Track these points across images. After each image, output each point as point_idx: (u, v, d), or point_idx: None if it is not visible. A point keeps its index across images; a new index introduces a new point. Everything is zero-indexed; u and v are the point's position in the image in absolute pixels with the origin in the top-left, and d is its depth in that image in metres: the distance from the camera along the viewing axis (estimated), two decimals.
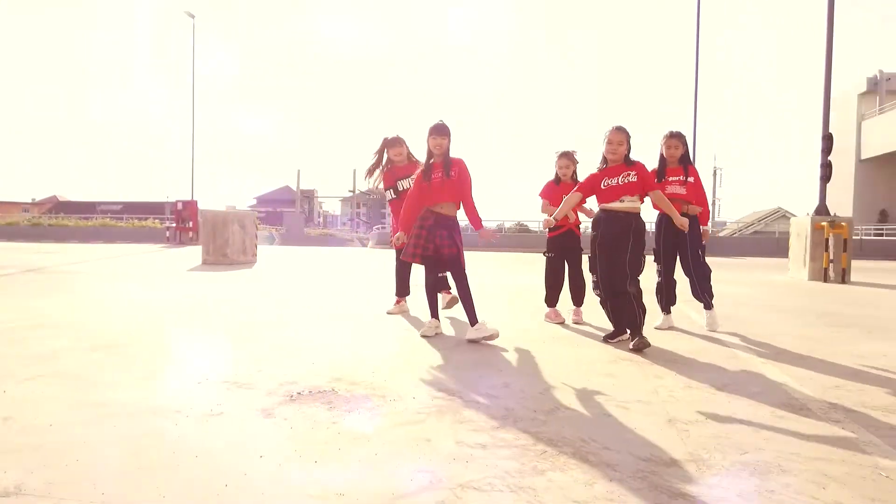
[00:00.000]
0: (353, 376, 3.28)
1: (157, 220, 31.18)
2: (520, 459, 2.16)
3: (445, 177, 4.48)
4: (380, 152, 5.82)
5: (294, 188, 46.69)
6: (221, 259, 11.94)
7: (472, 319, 4.36)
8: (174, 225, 23.94)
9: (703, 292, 5.08)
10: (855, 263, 14.50)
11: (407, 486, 1.93)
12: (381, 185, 5.89)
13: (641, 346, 4.08)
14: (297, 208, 36.82)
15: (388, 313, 5.63)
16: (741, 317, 5.88)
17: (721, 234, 33.18)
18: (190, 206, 23.68)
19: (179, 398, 2.85)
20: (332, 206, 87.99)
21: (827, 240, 10.52)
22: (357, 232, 44.42)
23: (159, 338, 4.36)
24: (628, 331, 4.34)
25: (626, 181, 4.26)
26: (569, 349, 4.19)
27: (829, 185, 11.64)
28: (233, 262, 11.97)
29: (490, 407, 2.78)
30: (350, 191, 53.78)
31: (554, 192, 5.35)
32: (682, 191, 5.01)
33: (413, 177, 5.24)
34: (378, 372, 3.41)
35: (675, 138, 5.03)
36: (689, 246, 5.03)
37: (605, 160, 4.36)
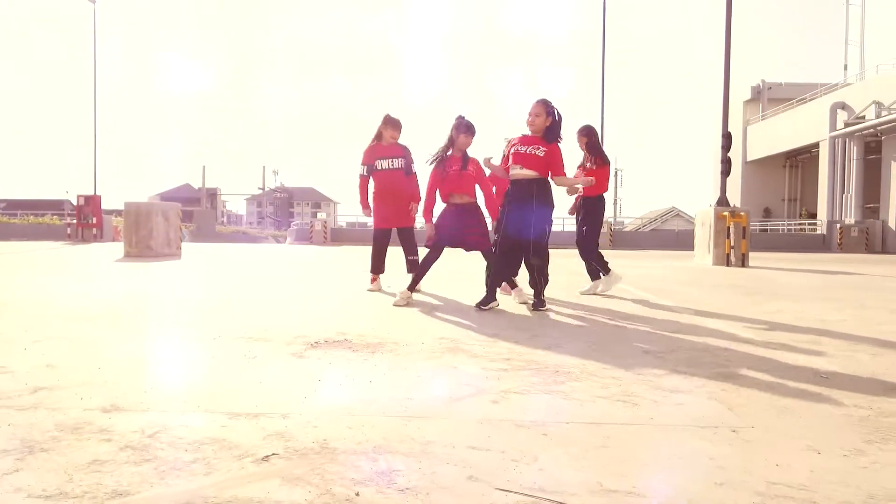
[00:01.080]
0: (358, 331, 3.59)
1: (55, 217, 29.16)
2: (539, 376, 2.60)
3: (462, 170, 4.98)
4: (378, 133, 5.91)
5: (195, 186, 44.82)
6: (146, 251, 11.59)
7: (512, 285, 5.19)
8: (75, 222, 22.54)
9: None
10: (749, 253, 16.13)
11: (459, 393, 2.31)
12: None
13: (538, 307, 4.70)
14: (204, 205, 35.64)
15: (369, 290, 5.90)
16: (670, 290, 6.62)
17: (625, 230, 35.31)
18: (93, 201, 22.36)
19: (208, 349, 3.06)
20: (237, 206, 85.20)
21: (728, 228, 11.70)
22: (267, 231, 43.34)
23: (139, 315, 4.44)
24: (497, 300, 4.80)
25: (532, 153, 4.69)
26: (541, 312, 4.68)
27: (718, 184, 12.91)
28: (158, 255, 11.65)
29: (493, 348, 3.19)
30: (259, 188, 52.25)
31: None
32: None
33: (391, 159, 5.67)
34: (378, 328, 3.73)
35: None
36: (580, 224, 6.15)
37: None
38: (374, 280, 6.06)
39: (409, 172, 5.87)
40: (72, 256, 11.84)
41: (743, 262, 11.51)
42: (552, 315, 4.53)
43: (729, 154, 12.80)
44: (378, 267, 6.07)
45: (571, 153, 6.43)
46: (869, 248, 23.54)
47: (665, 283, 7.39)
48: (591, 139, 6.04)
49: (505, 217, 4.75)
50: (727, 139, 12.53)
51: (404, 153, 5.88)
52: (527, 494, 1.44)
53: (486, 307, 4.69)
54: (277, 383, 2.43)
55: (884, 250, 23.65)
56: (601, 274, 6.10)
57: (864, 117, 25.68)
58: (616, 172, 66.34)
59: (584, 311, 4.82)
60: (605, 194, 6.13)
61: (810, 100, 30.19)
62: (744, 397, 2.33)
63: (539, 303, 4.76)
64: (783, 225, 32.13)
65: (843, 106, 27.09)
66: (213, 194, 61.77)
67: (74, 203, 23.76)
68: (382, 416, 2.01)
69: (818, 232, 26.29)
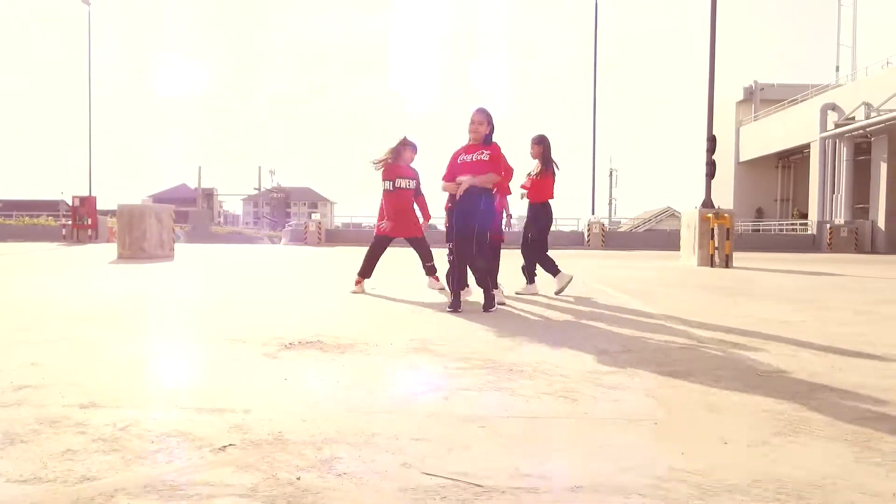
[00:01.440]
0: (333, 333, 3.78)
1: (50, 218, 29.31)
2: (495, 374, 2.78)
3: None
4: (397, 150, 6.10)
5: (191, 186, 44.88)
6: (139, 253, 11.76)
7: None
8: (70, 222, 22.70)
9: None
10: (737, 254, 16.34)
11: (416, 391, 2.50)
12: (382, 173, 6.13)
13: (488, 308, 4.87)
14: (200, 206, 35.80)
15: (352, 292, 6.10)
16: (649, 291, 6.82)
17: (619, 231, 35.49)
18: (88, 202, 22.55)
19: (188, 350, 3.24)
20: (233, 206, 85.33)
21: (713, 229, 11.91)
22: (263, 231, 43.50)
23: (123, 317, 4.62)
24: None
25: (478, 159, 4.94)
26: (515, 312, 4.87)
27: (712, 184, 13.14)
28: (151, 256, 11.83)
29: (458, 347, 3.38)
30: (255, 188, 52.29)
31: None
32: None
33: (409, 179, 6.06)
34: (353, 330, 3.92)
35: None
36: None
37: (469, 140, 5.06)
38: (359, 283, 6.25)
39: (418, 193, 6.21)
40: (65, 258, 12.01)
41: (727, 262, 11.72)
42: (530, 317, 4.72)
43: (716, 156, 13.03)
44: (367, 271, 6.28)
45: (524, 160, 6.64)
46: (858, 248, 23.82)
47: (646, 285, 7.58)
48: (545, 149, 6.34)
49: (454, 224, 4.99)
50: (712, 142, 12.75)
51: (416, 176, 6.20)
52: (448, 478, 1.62)
53: (459, 311, 4.86)
54: (247, 382, 2.61)
55: (873, 250, 23.92)
56: (552, 275, 6.37)
57: (853, 118, 25.95)
58: (611, 172, 66.07)
59: (557, 311, 5.01)
60: (550, 201, 6.44)
61: (801, 101, 30.48)
62: (679, 394, 2.51)
63: (488, 304, 4.92)
64: (775, 225, 32.41)
65: (834, 107, 27.37)
66: (209, 194, 61.87)
67: (70, 204, 23.89)
68: (339, 412, 2.19)
69: (809, 232, 26.56)
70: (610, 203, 62.69)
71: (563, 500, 1.52)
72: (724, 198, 34.11)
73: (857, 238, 24.16)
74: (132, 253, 11.79)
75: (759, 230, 32.50)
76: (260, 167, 48.01)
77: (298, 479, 1.61)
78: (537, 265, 6.43)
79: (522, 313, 4.91)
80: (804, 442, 1.98)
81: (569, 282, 6.29)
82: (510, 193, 6.05)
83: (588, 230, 24.93)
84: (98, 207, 22.97)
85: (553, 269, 6.34)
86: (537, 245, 6.43)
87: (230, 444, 1.85)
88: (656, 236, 28.20)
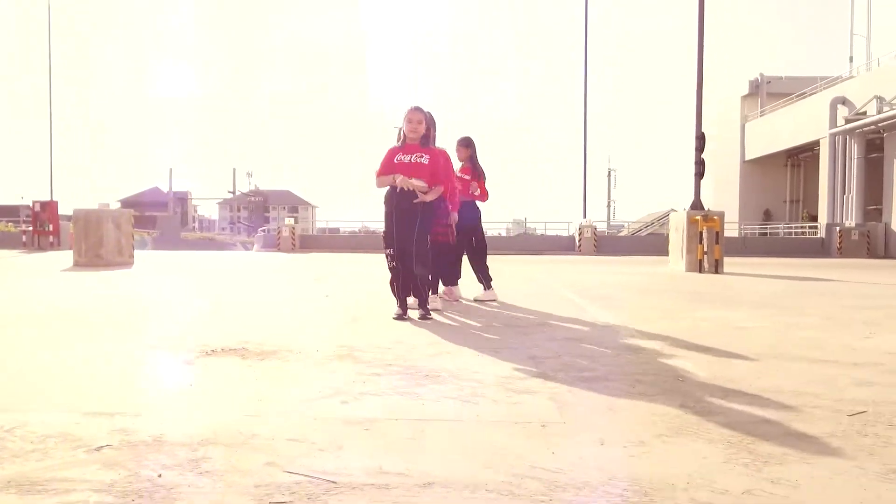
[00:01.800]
0: (261, 339, 3.95)
1: (10, 224, 29.41)
2: (408, 380, 2.96)
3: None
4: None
5: (164, 189, 44.94)
6: (96, 260, 11.91)
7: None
8: (31, 229, 22.80)
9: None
10: (737, 259, 16.56)
11: (316, 395, 2.67)
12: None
13: (424, 317, 5.02)
14: (172, 210, 35.92)
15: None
16: (614, 297, 7.01)
17: (619, 235, 35.68)
18: (49, 207, 22.64)
19: (108, 356, 3.41)
20: (209, 210, 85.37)
21: (701, 233, 12.11)
22: (238, 237, 43.56)
23: (55, 323, 4.79)
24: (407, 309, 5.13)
25: (417, 161, 5.08)
26: (458, 319, 5.05)
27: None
28: (109, 264, 11.96)
29: (385, 355, 3.55)
30: (230, 192, 51.94)
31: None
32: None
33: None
34: (284, 336, 4.09)
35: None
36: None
37: (404, 137, 5.17)
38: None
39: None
40: (17, 266, 12.15)
41: (716, 268, 11.91)
42: (473, 324, 4.90)
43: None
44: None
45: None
46: (871, 253, 23.88)
47: (616, 291, 7.78)
48: (473, 151, 6.59)
49: (394, 227, 5.10)
50: (700, 140, 12.96)
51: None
52: (306, 475, 1.80)
53: (406, 318, 5.03)
54: (151, 387, 2.78)
55: (886, 255, 24.02)
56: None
57: (865, 113, 26.18)
58: (609, 172, 65.14)
59: (503, 318, 5.18)
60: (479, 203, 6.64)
61: (811, 94, 30.71)
62: (584, 399, 2.69)
63: (425, 312, 5.08)
64: (783, 228, 32.66)
65: (844, 101, 27.62)
66: (183, 198, 61.98)
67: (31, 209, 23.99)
68: (229, 415, 2.36)
69: (818, 236, 26.74)
70: (608, 205, 62.57)
71: (409, 495, 1.69)
72: (730, 198, 34.38)
73: (870, 242, 24.27)
74: (88, 260, 11.94)
75: (766, 233, 32.76)
76: (235, 169, 47.66)
77: (160, 476, 1.78)
78: (479, 269, 6.63)
79: (466, 320, 5.08)
80: (682, 443, 2.15)
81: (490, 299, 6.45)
82: (457, 201, 6.13)
83: (579, 234, 24.82)
84: (64, 212, 23.07)
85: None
86: (478, 248, 6.66)
87: (107, 445, 2.02)
88: (653, 241, 28.24)
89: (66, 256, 15.42)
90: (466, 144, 6.57)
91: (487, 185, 6.63)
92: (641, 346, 3.94)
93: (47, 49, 31.41)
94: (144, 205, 71.21)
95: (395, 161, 5.12)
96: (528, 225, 49.89)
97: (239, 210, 75.85)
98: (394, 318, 4.97)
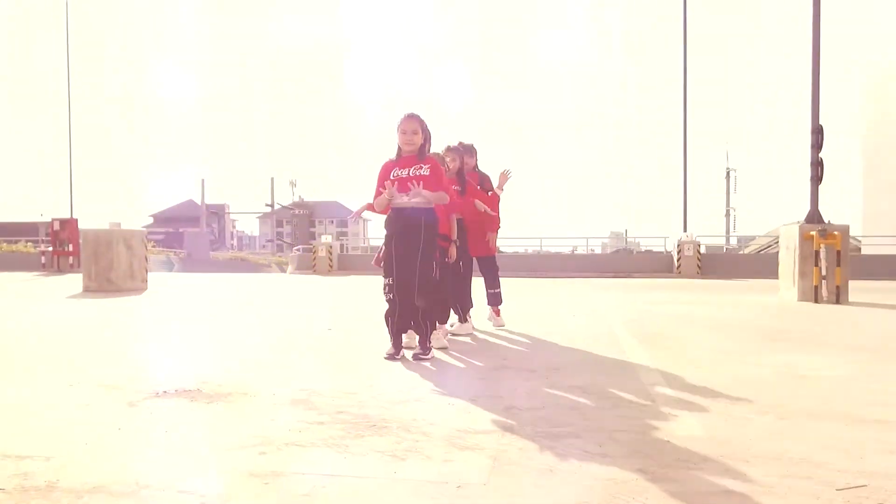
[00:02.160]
0: (221, 380, 4.23)
1: (29, 244, 31.25)
2: (349, 430, 3.15)
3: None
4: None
5: (199, 202, 46.21)
6: (106, 285, 12.62)
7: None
8: (50, 249, 24.13)
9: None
10: (886, 284, 15.60)
11: (237, 445, 2.90)
12: None
13: (420, 357, 5.12)
14: (203, 227, 37.30)
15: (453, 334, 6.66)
16: (668, 333, 6.91)
17: (738, 252, 32.75)
18: (69, 225, 23.98)
19: (50, 395, 3.75)
20: (249, 225, 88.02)
21: (817, 252, 11.09)
22: (278, 255, 44.59)
23: (18, 355, 5.22)
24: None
25: (417, 174, 5.20)
26: (454, 361, 5.23)
27: (875, 188, 12.03)
28: (119, 289, 12.66)
29: (343, 400, 3.76)
30: (267, 205, 51.99)
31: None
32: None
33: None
34: (246, 377, 4.37)
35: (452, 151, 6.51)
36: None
37: (399, 150, 5.32)
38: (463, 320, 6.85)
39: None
40: (23, 292, 13.02)
41: (837, 296, 10.88)
42: (473, 363, 5.05)
43: (880, 152, 12.13)
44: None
45: None
46: None
47: (679, 326, 7.48)
48: (476, 162, 6.82)
49: (393, 255, 5.24)
50: (817, 134, 12.00)
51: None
52: None
53: (398, 358, 5.20)
54: (80, 430, 3.07)
55: None
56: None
57: None
58: (728, 173, 58.74)
59: (516, 361, 5.29)
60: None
61: None
62: (528, 458, 2.80)
63: (423, 352, 5.20)
64: None
65: None
66: (219, 212, 64.01)
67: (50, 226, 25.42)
68: (133, 463, 2.62)
69: None
70: (727, 214, 57.75)
71: None
72: (889, 206, 30.88)
73: None
74: (98, 285, 12.68)
75: None
76: (272, 178, 47.44)
77: None
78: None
79: (474, 360, 5.22)
80: None
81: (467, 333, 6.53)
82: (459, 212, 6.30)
83: (678, 252, 22.85)
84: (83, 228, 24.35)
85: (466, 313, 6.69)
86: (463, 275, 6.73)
87: (1, 490, 2.30)
88: (774, 260, 25.15)
89: (80, 281, 16.37)
90: (473, 152, 6.80)
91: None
92: (653, 395, 3.98)
93: (65, 51, 33.28)
94: (178, 220, 73.98)
95: (392, 177, 5.26)
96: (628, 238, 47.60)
97: (282, 225, 77.63)
98: (385, 359, 5.16)
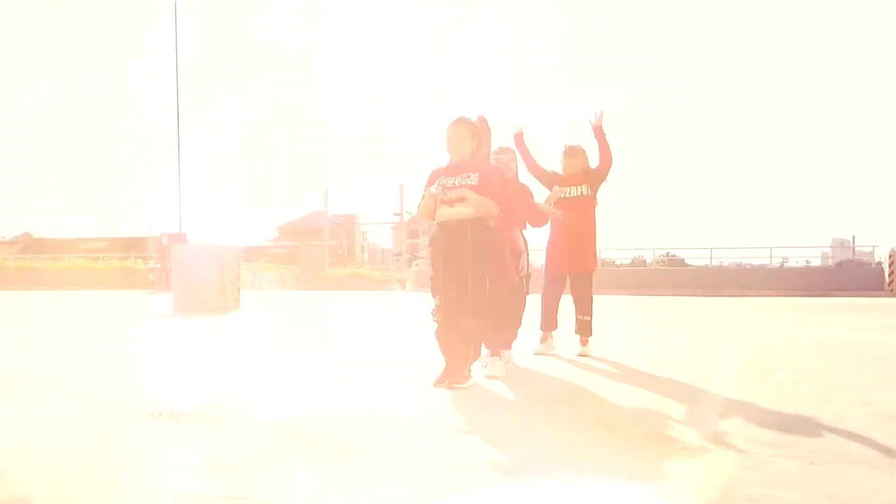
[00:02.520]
0: (219, 403, 4.60)
1: (139, 260, 33.92)
2: (307, 458, 3.39)
3: None
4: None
5: (326, 212, 47.19)
6: (194, 304, 13.60)
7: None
8: (159, 265, 25.93)
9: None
10: None
11: (191, 467, 3.22)
12: None
13: (454, 383, 5.11)
14: (326, 239, 38.79)
15: (536, 353, 6.99)
16: (793, 364, 6.57)
17: None
18: (178, 240, 25.80)
19: (53, 418, 4.28)
20: (384, 237, 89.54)
21: None
22: (400, 272, 45.45)
23: (46, 379, 5.87)
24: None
25: (464, 183, 5.22)
26: (488, 391, 5.37)
27: None
28: (208, 309, 13.58)
29: (330, 426, 4.01)
30: (395, 213, 50.59)
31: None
32: None
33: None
34: (248, 402, 4.73)
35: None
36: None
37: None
38: (545, 339, 7.14)
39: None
40: (117, 309, 14.28)
41: None
42: (512, 397, 5.15)
43: None
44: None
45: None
46: None
47: (815, 356, 6.93)
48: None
49: (441, 272, 5.35)
50: None
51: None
52: None
53: (444, 384, 5.29)
54: (47, 452, 3.52)
55: None
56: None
57: None
58: None
59: (556, 393, 5.34)
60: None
61: None
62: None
63: (457, 379, 5.16)
64: None
65: None
66: (348, 223, 65.86)
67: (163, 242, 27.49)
68: (83, 481, 2.99)
69: None
70: None
71: None
72: None
73: None
74: (186, 304, 13.70)
75: None
76: (402, 184, 45.32)
77: None
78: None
79: (509, 392, 5.22)
80: None
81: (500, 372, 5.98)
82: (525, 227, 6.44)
83: (890, 265, 21.14)
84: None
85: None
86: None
87: None
88: None
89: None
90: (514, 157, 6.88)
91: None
92: (717, 435, 3.89)
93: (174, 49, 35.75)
94: (304, 232, 76.85)
95: (438, 185, 5.35)
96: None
97: (418, 236, 78.26)
98: (434, 385, 5.19)
